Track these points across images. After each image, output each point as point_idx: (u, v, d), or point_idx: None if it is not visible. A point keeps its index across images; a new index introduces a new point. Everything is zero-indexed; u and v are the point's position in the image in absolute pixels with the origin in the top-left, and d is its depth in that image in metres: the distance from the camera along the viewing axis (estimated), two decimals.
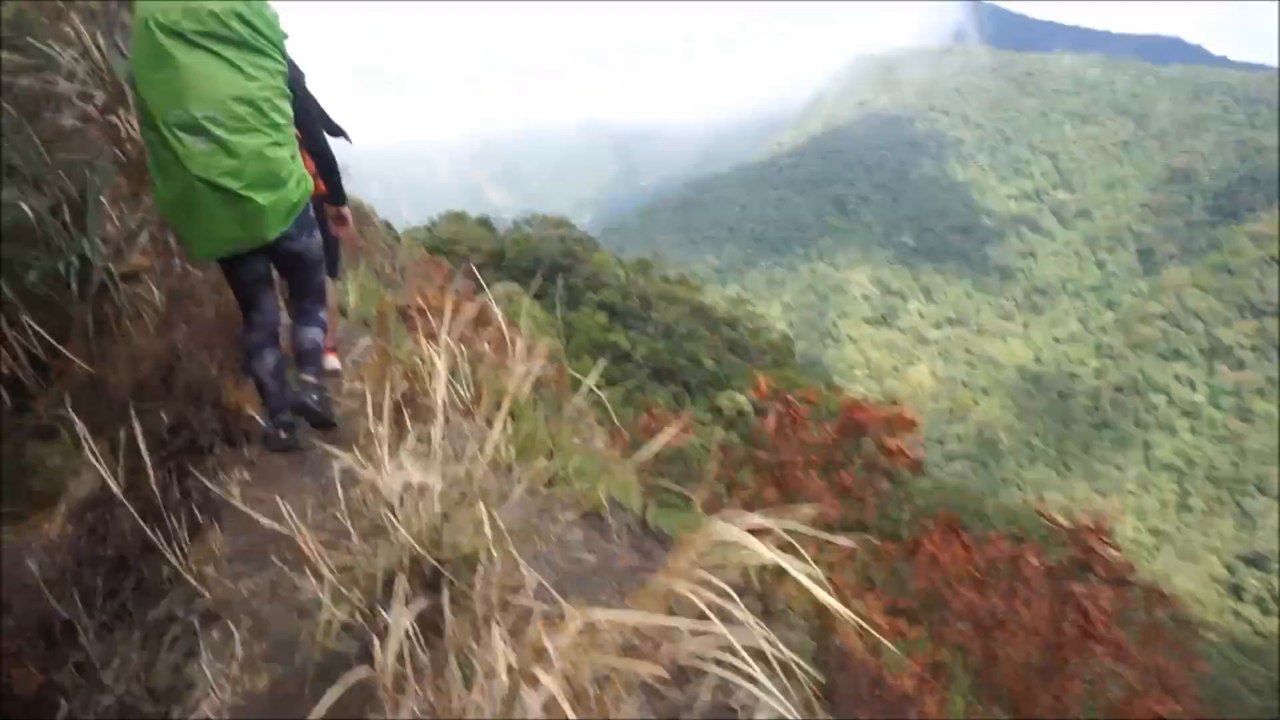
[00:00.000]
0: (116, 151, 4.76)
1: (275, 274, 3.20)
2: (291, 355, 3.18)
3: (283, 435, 2.98)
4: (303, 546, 1.72)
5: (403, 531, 1.68)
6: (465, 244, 42.24)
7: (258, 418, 3.17)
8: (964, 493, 50.79)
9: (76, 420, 3.55)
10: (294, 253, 2.97)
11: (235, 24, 2.61)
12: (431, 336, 2.63)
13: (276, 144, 2.71)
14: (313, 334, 3.13)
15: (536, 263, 44.96)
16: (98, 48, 4.60)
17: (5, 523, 3.32)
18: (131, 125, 4.40)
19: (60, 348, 4.21)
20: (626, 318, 42.74)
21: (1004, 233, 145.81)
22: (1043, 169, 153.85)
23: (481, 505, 1.66)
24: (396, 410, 2.19)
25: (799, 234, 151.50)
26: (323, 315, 3.20)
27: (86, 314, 4.63)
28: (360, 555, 1.80)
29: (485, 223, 53.79)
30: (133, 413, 2.80)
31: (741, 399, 37.12)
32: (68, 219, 4.82)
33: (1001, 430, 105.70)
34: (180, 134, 2.57)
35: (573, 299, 42.87)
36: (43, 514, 3.21)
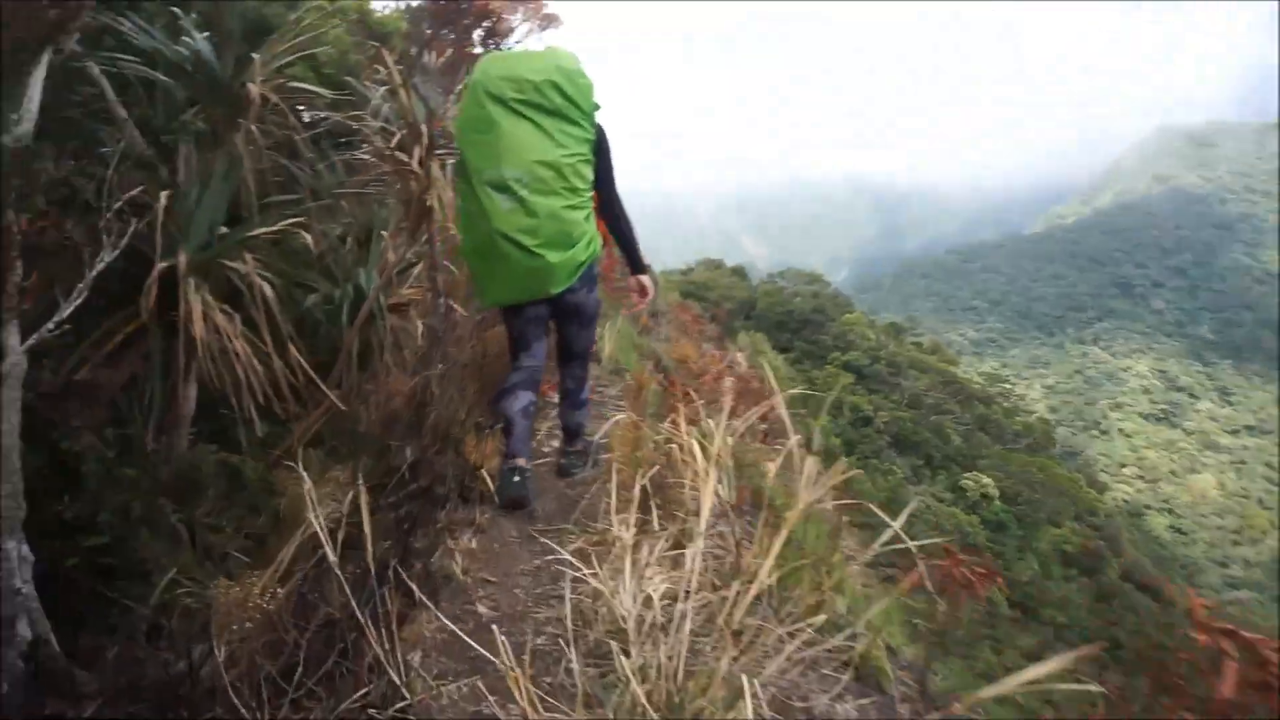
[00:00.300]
0: (404, 188, 5.26)
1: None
2: (561, 431, 3.61)
3: (516, 481, 3.05)
4: (512, 686, 1.56)
5: (634, 686, 1.48)
6: (718, 291, 44.24)
7: (491, 481, 3.19)
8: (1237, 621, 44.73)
9: (320, 451, 4.49)
10: (572, 305, 3.26)
11: (551, 94, 2.93)
12: (692, 419, 2.82)
13: (572, 207, 3.02)
14: (580, 417, 3.51)
15: (786, 315, 46.00)
16: (404, 89, 5.11)
17: (242, 554, 3.71)
18: (417, 164, 5.02)
19: (319, 382, 4.72)
20: (872, 381, 42.52)
21: None
22: None
23: (741, 673, 1.46)
24: (643, 497, 2.09)
25: (1073, 314, 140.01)
26: (585, 396, 3.51)
27: (354, 342, 5.29)
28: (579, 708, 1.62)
29: (739, 272, 55.73)
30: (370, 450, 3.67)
31: (987, 481, 35.66)
32: (351, 248, 5.99)
33: None
34: (491, 191, 2.95)
35: (818, 356, 43.37)
36: (279, 540, 3.25)
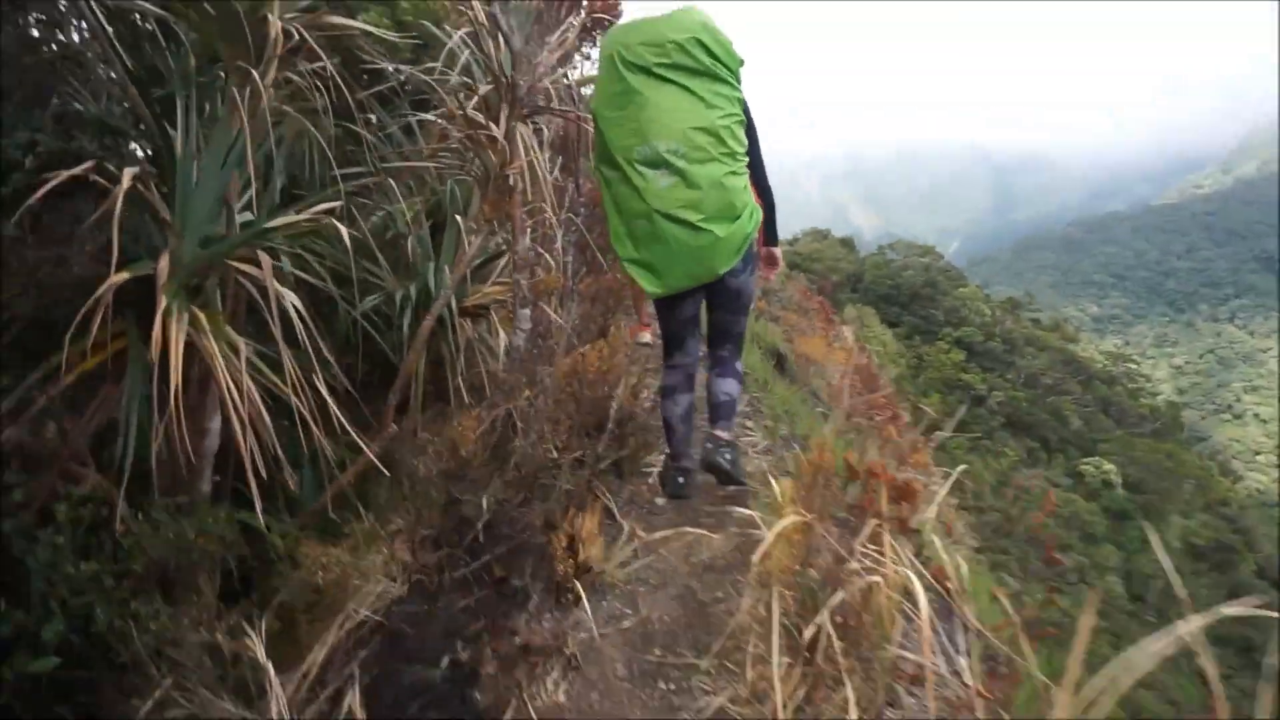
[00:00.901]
0: (480, 162, 4.29)
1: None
2: (707, 407, 3.10)
3: (680, 481, 2.97)
4: None
5: None
6: (824, 263, 43.31)
7: (600, 568, 2.47)
8: None
9: (371, 511, 3.42)
10: (733, 290, 2.93)
11: (698, 52, 2.66)
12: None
13: (734, 173, 2.72)
14: (729, 387, 3.06)
15: (895, 289, 44.68)
16: (493, 36, 4.12)
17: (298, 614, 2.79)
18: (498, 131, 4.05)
19: (371, 419, 3.89)
20: (985, 359, 40.97)
21: None
22: None
23: None
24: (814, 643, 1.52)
25: (1207, 290, 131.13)
26: (739, 366, 3.13)
27: (420, 357, 4.19)
28: None
29: (848, 243, 54.40)
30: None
31: (1109, 467, 33.91)
32: (417, 236, 4.82)
33: None
34: (643, 169, 2.67)
35: (929, 331, 42.04)
36: (312, 630, 2.62)
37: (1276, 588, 35.32)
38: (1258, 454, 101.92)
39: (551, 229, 4.87)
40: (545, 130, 5.14)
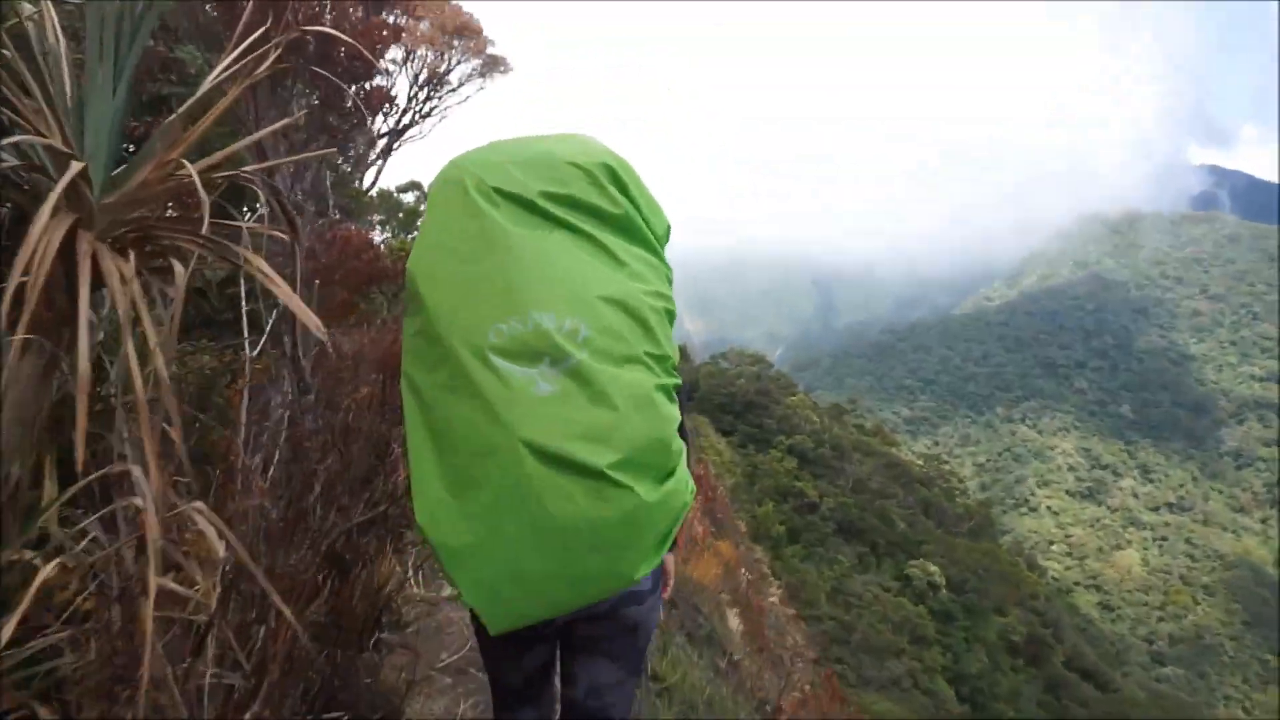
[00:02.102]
0: None
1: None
2: None
3: None
4: None
5: None
6: None
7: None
8: (1177, 708, 45.23)
9: None
10: (629, 624, 1.69)
11: (613, 189, 1.61)
12: None
13: (666, 391, 1.55)
14: None
15: (729, 398, 45.94)
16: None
17: None
18: None
19: None
20: (816, 466, 42.47)
21: (1243, 416, 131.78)
22: None
23: None
24: None
25: (1001, 393, 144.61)
26: None
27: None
28: None
29: (681, 351, 55.51)
30: None
31: (934, 569, 35.55)
32: None
33: (1226, 638, 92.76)
34: (503, 365, 1.43)
35: (762, 440, 43.25)
36: None
37: (1083, 676, 37.88)
38: (1052, 544, 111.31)
39: None
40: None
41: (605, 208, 1.58)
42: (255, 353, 2.87)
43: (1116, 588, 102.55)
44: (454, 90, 13.39)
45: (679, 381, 1.62)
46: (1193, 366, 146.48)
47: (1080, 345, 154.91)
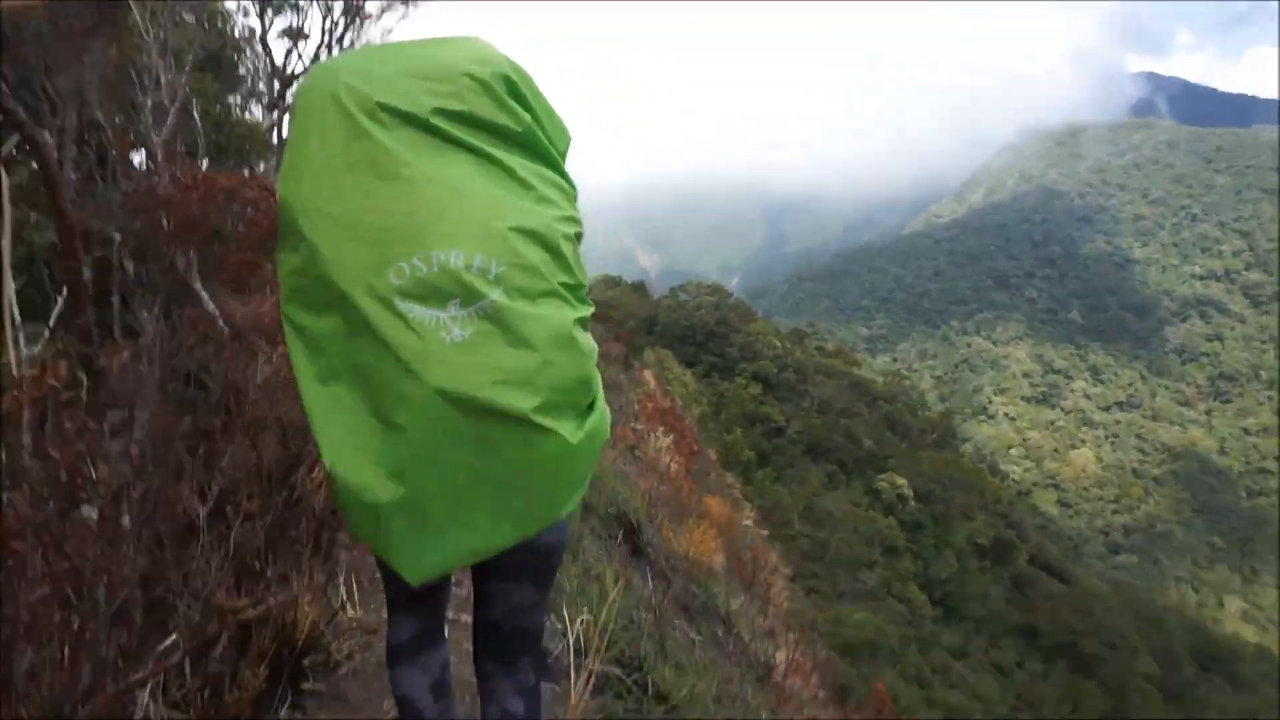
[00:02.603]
0: None
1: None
2: None
3: None
4: None
5: None
6: (621, 309, 43.73)
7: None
8: (1132, 594, 47.45)
9: None
10: (545, 548, 1.61)
11: (513, 103, 1.40)
12: None
13: (584, 324, 1.45)
14: (517, 706, 1.69)
15: (690, 329, 45.98)
16: None
17: None
18: None
19: None
20: (780, 390, 42.88)
21: (1186, 314, 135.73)
22: (1234, 248, 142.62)
23: None
24: None
25: (956, 307, 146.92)
26: (532, 679, 1.72)
27: None
28: None
29: (641, 288, 55.45)
30: None
31: (901, 482, 36.40)
32: None
33: (1176, 525, 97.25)
34: (410, 310, 1.28)
35: (726, 368, 43.48)
36: None
37: (1046, 571, 39.44)
38: (1010, 448, 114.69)
39: None
40: None
41: (507, 124, 1.38)
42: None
43: (1073, 485, 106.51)
44: (374, 20, 12.57)
45: (592, 309, 1.49)
46: (1136, 270, 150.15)
47: (1028, 256, 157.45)
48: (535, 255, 1.34)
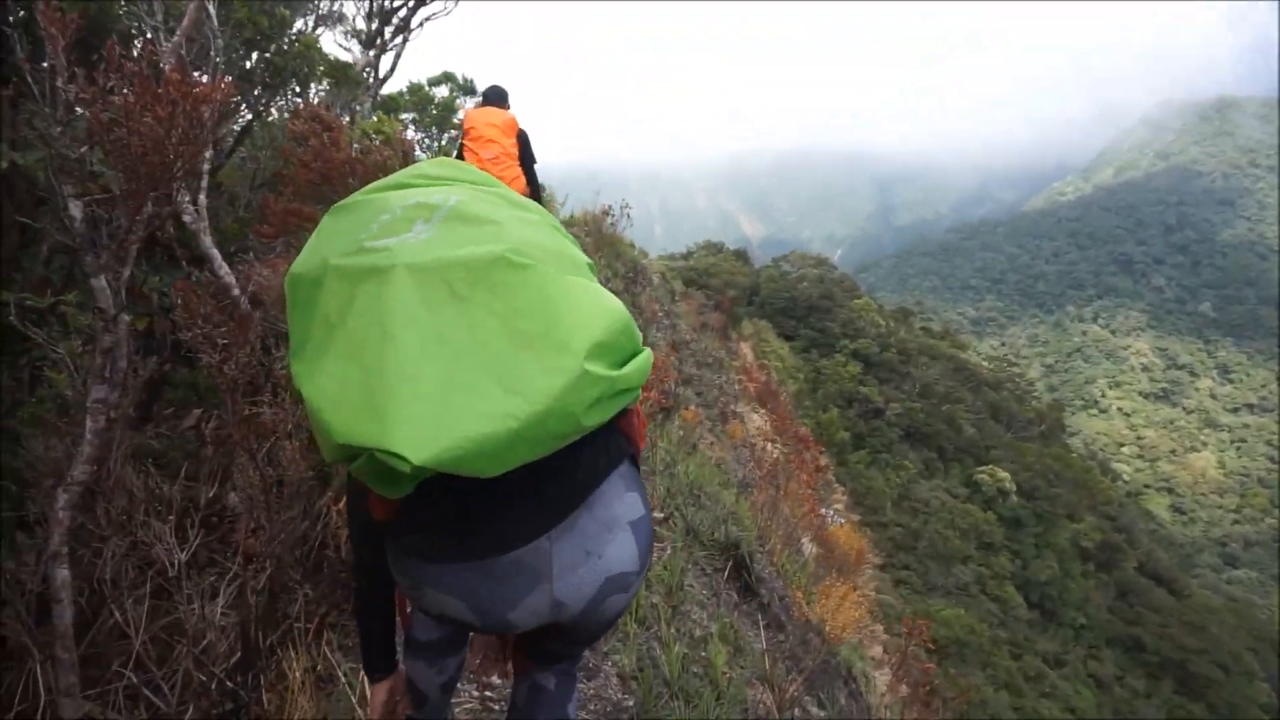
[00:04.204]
0: None
1: None
2: None
3: None
4: None
5: None
6: (721, 277, 42.74)
7: None
8: (1251, 613, 44.17)
9: None
10: (605, 622, 1.41)
11: None
12: None
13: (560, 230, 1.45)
14: None
15: (791, 302, 44.75)
16: None
17: None
18: None
19: None
20: (881, 370, 41.30)
21: None
22: None
23: None
24: None
25: (1073, 292, 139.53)
26: (574, 710, 1.69)
27: None
28: None
29: (742, 255, 53.95)
30: None
31: (1004, 475, 34.57)
32: None
33: None
34: (373, 244, 1.23)
35: (826, 344, 42.16)
36: None
37: (1156, 581, 37.00)
38: (1122, 446, 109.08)
39: None
40: None
41: None
42: None
43: (1190, 490, 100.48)
44: None
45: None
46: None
47: (1159, 240, 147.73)
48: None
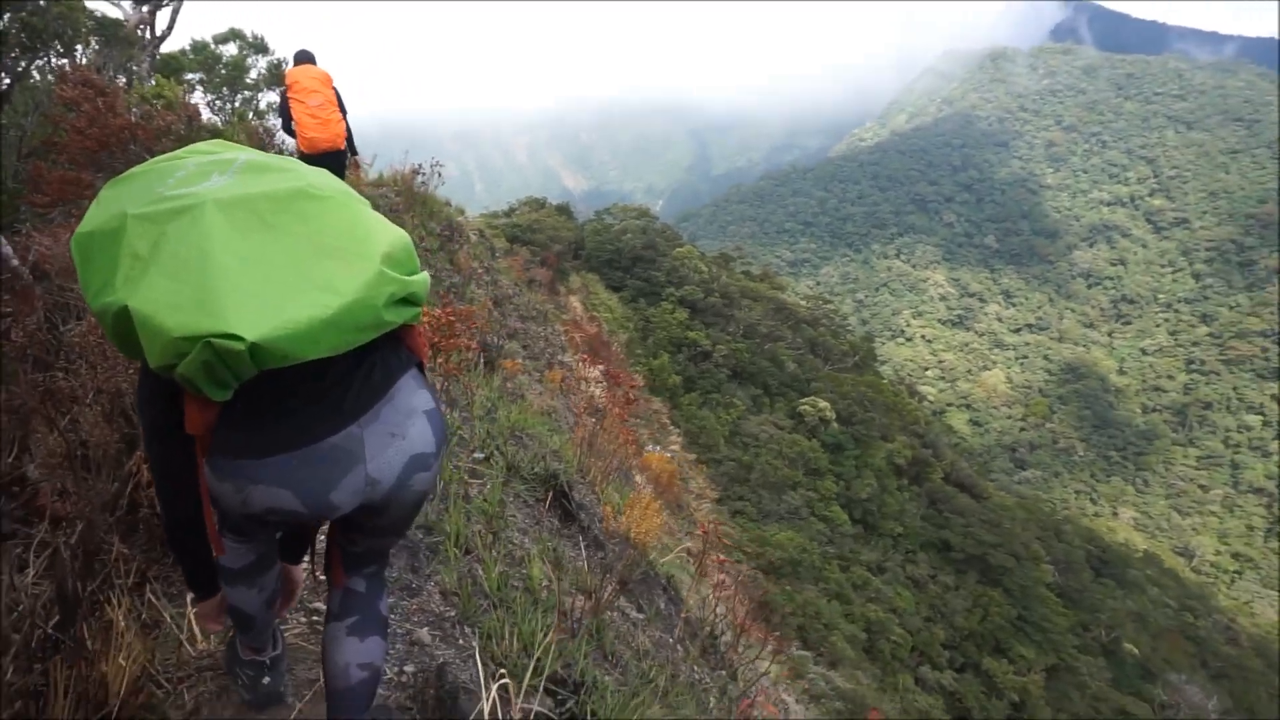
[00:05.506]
0: None
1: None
2: (326, 691, 1.77)
3: (267, 682, 1.94)
4: None
5: None
6: (545, 232, 42.60)
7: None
8: (1036, 507, 49.99)
9: None
10: (413, 502, 1.62)
11: None
12: None
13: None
14: (369, 653, 1.75)
15: (616, 254, 45.21)
16: None
17: None
18: None
19: None
20: (707, 315, 42.70)
21: (1093, 239, 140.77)
22: (1140, 175, 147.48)
23: None
24: None
25: (877, 231, 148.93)
26: (385, 605, 1.84)
27: None
28: None
29: (565, 210, 53.78)
30: None
31: (824, 405, 36.93)
32: None
33: (1078, 441, 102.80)
34: (176, 193, 1.36)
35: (652, 293, 43.03)
36: None
37: (960, 488, 41.00)
38: (926, 369, 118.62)
39: None
40: None
41: None
42: None
43: (984, 405, 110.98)
44: None
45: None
46: (1048, 195, 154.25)
47: (948, 180, 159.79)
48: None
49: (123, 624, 1.84)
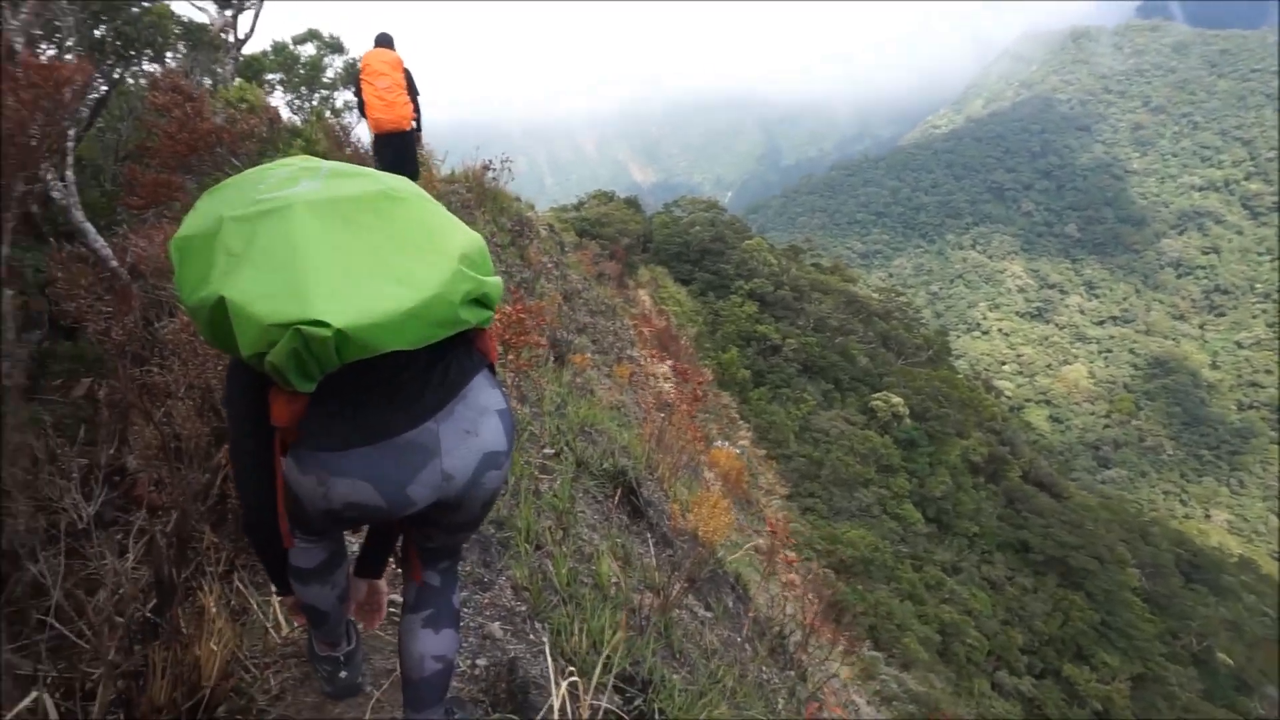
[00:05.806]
0: None
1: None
2: (403, 681, 1.86)
3: (343, 676, 2.05)
4: None
5: None
6: (613, 226, 42.64)
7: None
8: (1121, 508, 47.98)
9: None
10: (485, 500, 1.68)
11: None
12: None
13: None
14: (443, 646, 1.83)
15: (685, 246, 45.05)
16: None
17: None
18: None
19: None
20: (776, 308, 42.16)
21: (1184, 226, 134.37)
22: (1235, 158, 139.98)
23: None
24: None
25: (952, 221, 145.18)
26: (457, 600, 1.91)
27: None
28: None
29: (633, 203, 53.77)
30: None
31: (897, 400, 36.09)
32: None
33: (1166, 439, 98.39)
34: (266, 197, 1.46)
35: (721, 286, 42.73)
36: None
37: (1039, 487, 39.64)
38: (1003, 364, 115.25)
39: None
40: None
41: None
42: None
43: (1065, 400, 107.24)
44: None
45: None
46: (1134, 180, 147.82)
47: (1026, 167, 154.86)
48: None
49: (214, 610, 1.97)
